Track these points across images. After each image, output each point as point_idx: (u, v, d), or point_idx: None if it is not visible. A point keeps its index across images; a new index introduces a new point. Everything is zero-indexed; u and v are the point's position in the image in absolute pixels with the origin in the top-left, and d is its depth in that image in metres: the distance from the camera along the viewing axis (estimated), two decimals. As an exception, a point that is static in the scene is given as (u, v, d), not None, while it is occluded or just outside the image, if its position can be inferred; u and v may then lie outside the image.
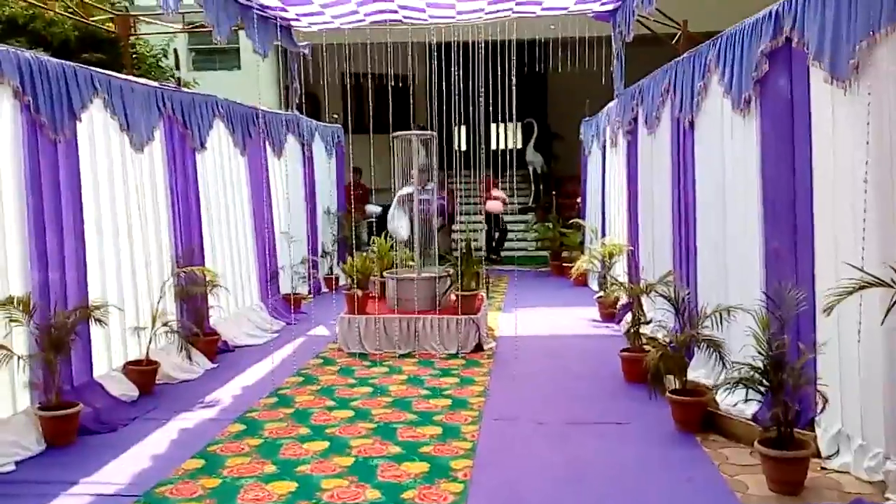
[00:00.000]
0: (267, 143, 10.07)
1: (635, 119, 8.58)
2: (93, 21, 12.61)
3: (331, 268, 12.41)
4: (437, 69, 10.71)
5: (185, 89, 7.94)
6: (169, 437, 5.31)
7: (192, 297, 7.33)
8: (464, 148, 16.80)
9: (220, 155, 8.58)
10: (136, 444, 5.15)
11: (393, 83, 11.62)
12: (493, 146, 20.11)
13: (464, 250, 8.20)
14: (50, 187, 5.50)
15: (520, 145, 19.01)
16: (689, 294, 5.37)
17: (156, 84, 7.33)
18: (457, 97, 11.33)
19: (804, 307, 4.17)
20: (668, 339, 7.01)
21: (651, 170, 7.89)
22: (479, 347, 7.78)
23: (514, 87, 11.33)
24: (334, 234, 12.69)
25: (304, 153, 11.53)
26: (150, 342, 6.46)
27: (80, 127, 5.91)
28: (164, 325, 6.47)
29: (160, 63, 15.45)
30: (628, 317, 8.35)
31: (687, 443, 4.95)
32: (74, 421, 5.22)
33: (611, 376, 6.58)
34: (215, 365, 7.29)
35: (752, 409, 4.92)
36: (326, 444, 5.06)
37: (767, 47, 4.70)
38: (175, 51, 14.13)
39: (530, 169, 18.23)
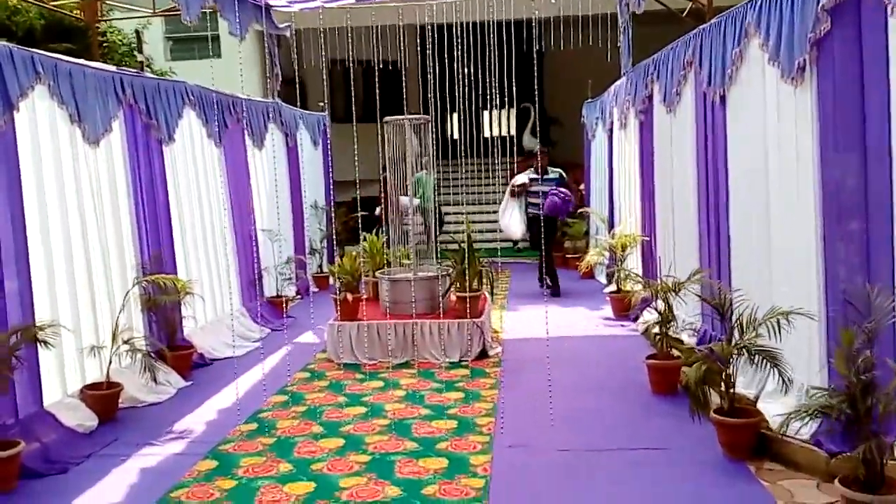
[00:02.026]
0: (246, 133, 9.24)
1: (650, 97, 7.78)
2: (58, 7, 11.74)
3: (320, 266, 11.61)
4: (430, 52, 9.92)
5: (150, 74, 7.11)
6: (127, 479, 4.51)
7: (162, 307, 6.53)
8: (455, 136, 16.06)
9: (191, 147, 7.75)
10: (88, 490, 4.37)
11: (382, 67, 10.77)
12: (488, 133, 19.43)
13: (463, 245, 7.39)
14: (-20, 189, 4.69)
15: (514, 131, 18.25)
16: (732, 295, 4.57)
17: (114, 68, 6.49)
18: (450, 82, 10.54)
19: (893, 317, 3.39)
20: (695, 342, 6.29)
21: (670, 152, 7.10)
22: (483, 354, 7.02)
23: (509, 70, 10.57)
24: (323, 230, 11.88)
25: (287, 143, 10.70)
26: (109, 362, 5.65)
27: (18, 118, 5.08)
28: (125, 342, 5.65)
29: (134, 52, 14.54)
30: (646, 315, 7.61)
31: (739, 474, 4.19)
32: (14, 463, 4.42)
33: (636, 387, 5.82)
34: (189, 382, 6.50)
35: (809, 428, 4.17)
36: (312, 485, 4.27)
37: (830, 1, 3.90)
38: (137, 31, 13.17)
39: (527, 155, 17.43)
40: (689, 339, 6.36)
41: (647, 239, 8.07)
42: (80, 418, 5.36)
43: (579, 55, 12.49)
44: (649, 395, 5.69)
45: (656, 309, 5.76)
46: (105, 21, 13.11)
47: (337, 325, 7.12)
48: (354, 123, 4.13)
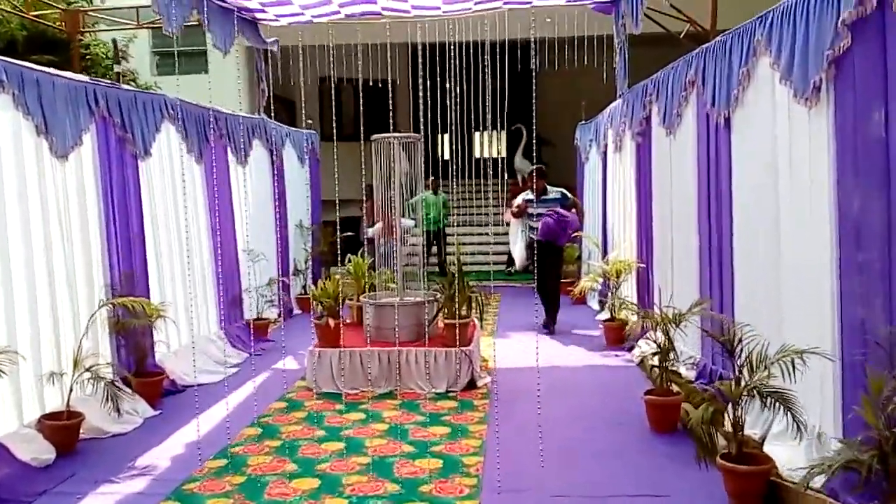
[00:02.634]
0: (229, 149, 8.91)
1: (647, 119, 7.52)
2: (40, 19, 11.44)
3: (304, 287, 11.24)
4: (422, 71, 9.65)
5: (125, 86, 6.78)
6: (79, 523, 4.13)
7: (131, 330, 6.15)
8: (446, 156, 15.81)
9: (169, 163, 7.40)
10: (35, 536, 3.97)
11: (372, 86, 10.49)
12: (479, 154, 19.17)
13: (453, 269, 7.06)
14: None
15: (505, 153, 18.02)
16: (740, 331, 4.24)
17: (87, 79, 6.16)
18: (441, 101, 10.26)
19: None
20: (694, 375, 5.97)
21: (669, 175, 6.82)
22: (472, 384, 6.66)
23: (502, 90, 10.32)
24: (307, 250, 11.52)
25: (273, 160, 10.37)
26: (70, 390, 5.26)
27: (-23, 127, 4.75)
28: (87, 369, 5.26)
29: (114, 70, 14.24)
30: (643, 345, 7.29)
31: (749, 527, 3.85)
32: (-46, 505, 4.04)
33: (633, 423, 5.47)
34: (157, 412, 6.10)
35: (824, 476, 3.83)
36: (282, 533, 3.90)
37: (851, 16, 3.62)
38: (114, 41, 12.85)
39: (518, 178, 17.16)
40: (686, 371, 6.05)
41: (644, 266, 7.77)
42: (36, 451, 4.96)
43: (572, 76, 12.29)
44: (647, 432, 5.35)
45: (655, 340, 5.44)
46: (88, 33, 12.83)
47: (317, 351, 6.76)
48: (335, 142, 3.84)
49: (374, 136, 7.32)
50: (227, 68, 15.94)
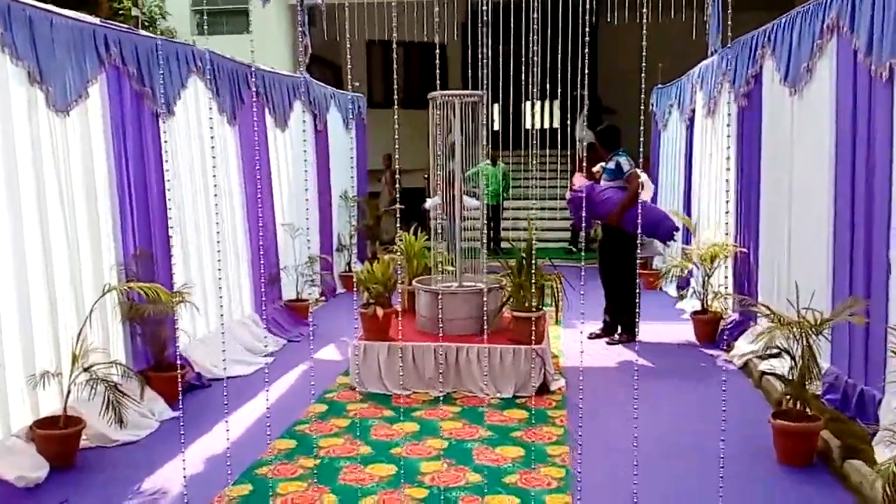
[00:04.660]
0: (266, 110, 7.94)
1: (757, 76, 6.30)
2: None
3: (349, 264, 10.31)
4: (473, 33, 8.50)
5: (144, 32, 5.84)
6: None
7: (148, 318, 5.25)
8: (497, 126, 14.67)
9: (197, 123, 6.45)
10: None
11: (422, 48, 9.37)
12: (540, 124, 17.94)
13: (522, 253, 5.99)
14: None
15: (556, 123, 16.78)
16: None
17: (95, 20, 5.21)
18: (495, 65, 9.08)
19: None
20: (821, 390, 4.84)
21: (790, 143, 5.62)
22: (543, 388, 5.64)
23: (563, 54, 9.10)
24: (353, 224, 10.57)
25: (315, 125, 9.38)
26: (68, 392, 4.39)
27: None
28: (85, 369, 4.37)
29: (155, 25, 13.38)
30: (743, 345, 6.18)
31: None
32: None
33: (752, 451, 4.38)
34: (176, 413, 5.21)
35: None
36: None
37: None
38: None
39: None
40: (816, 389, 4.93)
41: (745, 251, 6.60)
42: (25, 467, 4.11)
43: (634, 38, 10.98)
44: (774, 464, 4.26)
45: (788, 352, 4.30)
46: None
47: (363, 345, 5.79)
48: (396, 107, 2.93)
49: (432, 94, 6.25)
50: (269, 28, 15.03)
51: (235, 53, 7.20)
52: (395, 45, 2.95)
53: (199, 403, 5.48)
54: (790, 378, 4.29)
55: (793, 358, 4.27)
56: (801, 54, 5.30)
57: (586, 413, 4.84)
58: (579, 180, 8.23)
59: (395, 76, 3.20)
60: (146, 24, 13.13)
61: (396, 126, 3.39)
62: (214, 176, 6.63)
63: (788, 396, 4.25)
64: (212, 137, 6.54)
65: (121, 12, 12.04)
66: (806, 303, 4.37)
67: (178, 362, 5.63)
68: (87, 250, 4.97)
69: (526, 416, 5.13)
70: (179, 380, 4.58)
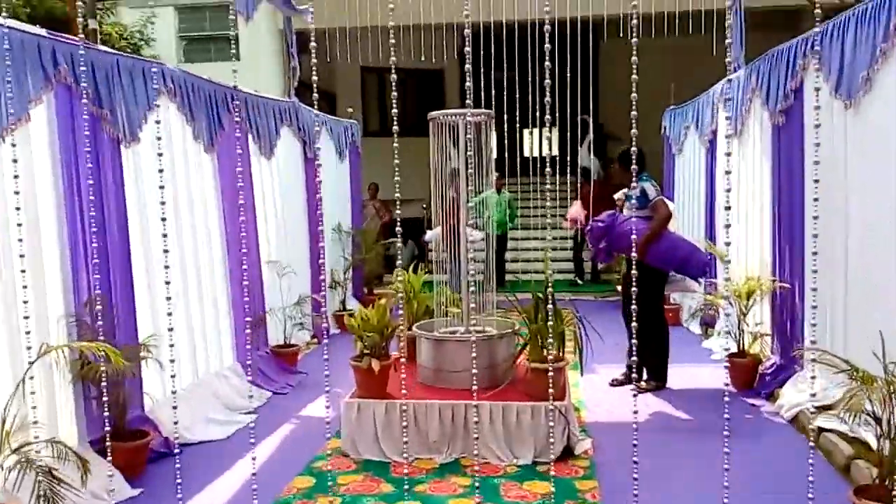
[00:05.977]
0: (250, 137, 7.22)
1: (797, 90, 5.60)
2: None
3: (343, 302, 9.54)
4: (472, 57, 7.85)
5: (103, 47, 5.13)
6: None
7: (103, 378, 4.45)
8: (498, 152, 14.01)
9: (169, 151, 5.72)
10: None
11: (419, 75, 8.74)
12: (538, 150, 17.26)
13: (539, 293, 5.23)
14: None
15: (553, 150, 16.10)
16: None
17: (42, 31, 4.49)
18: (496, 90, 8.41)
19: None
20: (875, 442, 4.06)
21: (844, 164, 4.90)
22: (567, 451, 4.84)
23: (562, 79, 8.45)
24: (347, 258, 9.82)
25: (305, 153, 8.67)
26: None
27: None
28: (14, 451, 3.57)
29: (140, 53, 12.73)
30: (790, 394, 5.41)
31: None
32: None
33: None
34: (136, 491, 4.42)
35: None
36: None
37: None
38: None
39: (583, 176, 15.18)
40: (866, 433, 4.18)
41: (788, 287, 5.84)
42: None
43: (639, 62, 10.35)
44: (862, 557, 3.47)
45: (872, 415, 3.53)
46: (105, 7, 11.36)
47: (356, 403, 5.01)
48: (394, 137, 2.31)
49: (432, 114, 5.53)
50: (261, 57, 14.40)
51: (224, 81, 6.52)
52: (394, 68, 2.29)
53: (165, 476, 4.67)
54: (878, 450, 3.50)
55: (878, 423, 3.49)
56: (858, 62, 4.60)
57: (623, 485, 4.05)
58: (577, 210, 7.51)
59: (393, 98, 2.50)
60: (135, 47, 12.53)
61: (396, 150, 2.71)
62: (188, 209, 5.90)
63: (869, 468, 3.47)
64: (186, 167, 5.83)
65: (101, 37, 11.39)
66: (866, 345, 3.63)
67: (143, 427, 4.89)
68: (31, 300, 4.19)
69: (550, 491, 4.32)
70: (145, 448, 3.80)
